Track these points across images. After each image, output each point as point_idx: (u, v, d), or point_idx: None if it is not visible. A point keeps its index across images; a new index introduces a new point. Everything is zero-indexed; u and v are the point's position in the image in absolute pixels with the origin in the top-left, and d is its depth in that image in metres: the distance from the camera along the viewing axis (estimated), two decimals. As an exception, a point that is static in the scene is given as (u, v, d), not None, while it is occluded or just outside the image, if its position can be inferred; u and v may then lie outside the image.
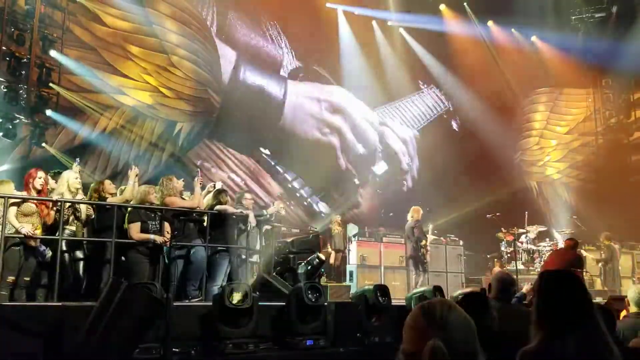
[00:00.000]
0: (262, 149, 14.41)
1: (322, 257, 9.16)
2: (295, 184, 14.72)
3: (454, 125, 18.69)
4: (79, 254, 6.49)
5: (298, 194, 14.66)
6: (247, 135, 13.84)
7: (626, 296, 4.57)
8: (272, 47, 15.27)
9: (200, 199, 7.28)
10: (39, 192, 6.33)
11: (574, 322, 2.00)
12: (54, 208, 6.45)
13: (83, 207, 6.64)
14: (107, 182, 7.04)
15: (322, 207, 14.90)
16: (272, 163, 14.47)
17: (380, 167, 16.73)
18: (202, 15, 13.94)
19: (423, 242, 10.53)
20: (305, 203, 14.82)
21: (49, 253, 6.25)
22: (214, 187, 8.11)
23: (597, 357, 1.94)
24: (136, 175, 7.08)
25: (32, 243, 6.14)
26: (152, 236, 6.61)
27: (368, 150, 16.50)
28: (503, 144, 17.69)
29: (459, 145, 16.91)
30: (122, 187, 7.35)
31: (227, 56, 14.17)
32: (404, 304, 6.54)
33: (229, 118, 13.77)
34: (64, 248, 6.26)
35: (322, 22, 15.92)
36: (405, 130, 17.46)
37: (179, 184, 7.43)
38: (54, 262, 6.08)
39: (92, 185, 7.07)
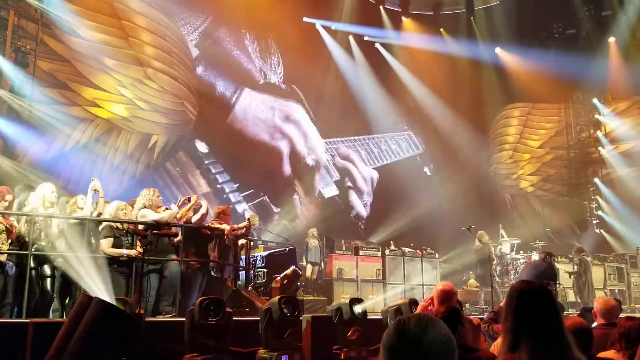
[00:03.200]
0: (197, 142, 14.06)
1: (299, 270, 9.15)
2: (225, 187, 14.23)
3: (427, 170, 18.74)
4: (48, 269, 6.35)
5: (225, 196, 14.15)
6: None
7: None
8: (245, 59, 15.28)
9: (173, 213, 7.20)
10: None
11: (540, 335, 1.98)
12: (23, 222, 6.31)
13: (54, 222, 6.50)
14: (79, 197, 6.91)
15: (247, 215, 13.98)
16: (206, 162, 14.09)
17: (330, 191, 16.49)
18: (178, 27, 13.91)
19: (493, 262, 11.62)
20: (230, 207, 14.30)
21: (13, 269, 6.07)
22: (189, 200, 8.04)
23: None
24: (94, 190, 6.77)
25: (1, 258, 6.00)
26: (125, 251, 6.53)
27: (318, 167, 16.23)
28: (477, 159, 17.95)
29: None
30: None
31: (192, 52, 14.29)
32: (380, 317, 6.54)
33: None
34: (32, 265, 6.11)
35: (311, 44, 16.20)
36: (368, 169, 17.41)
37: (158, 198, 7.36)
38: (23, 278, 5.94)
39: (64, 199, 6.94)
